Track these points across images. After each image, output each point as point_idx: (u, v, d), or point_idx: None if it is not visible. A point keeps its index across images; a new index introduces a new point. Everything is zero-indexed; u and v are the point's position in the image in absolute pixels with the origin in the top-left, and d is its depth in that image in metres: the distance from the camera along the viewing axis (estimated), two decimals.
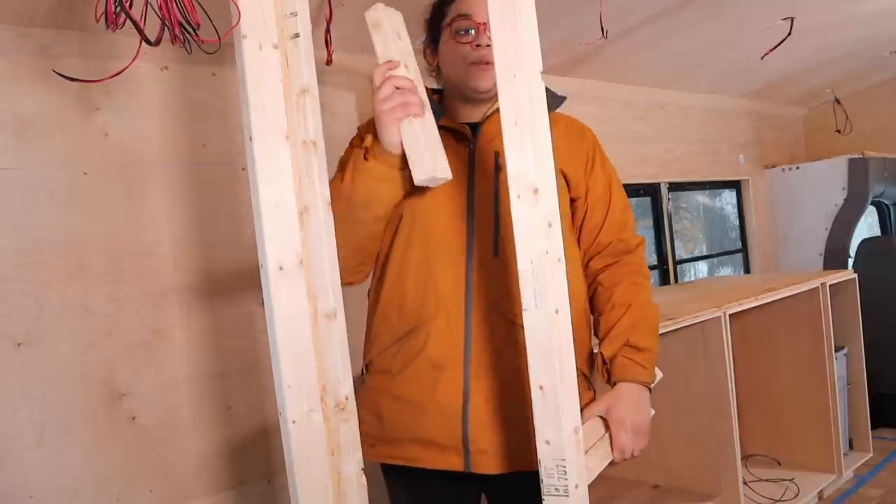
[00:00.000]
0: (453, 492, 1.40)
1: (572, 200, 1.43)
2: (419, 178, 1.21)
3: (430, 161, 1.21)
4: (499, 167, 1.35)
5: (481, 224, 1.33)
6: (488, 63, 1.32)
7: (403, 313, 1.35)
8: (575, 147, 1.44)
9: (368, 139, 1.27)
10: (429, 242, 1.33)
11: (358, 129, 1.47)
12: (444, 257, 1.32)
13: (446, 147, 1.29)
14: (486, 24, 1.32)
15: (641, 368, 1.32)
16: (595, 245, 1.43)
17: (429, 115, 1.24)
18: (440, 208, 1.34)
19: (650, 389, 1.35)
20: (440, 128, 1.35)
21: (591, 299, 1.44)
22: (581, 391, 1.36)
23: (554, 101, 1.43)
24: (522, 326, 1.28)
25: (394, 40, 1.24)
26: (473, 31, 1.35)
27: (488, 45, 1.32)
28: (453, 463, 1.32)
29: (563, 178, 1.41)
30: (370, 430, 1.37)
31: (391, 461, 1.36)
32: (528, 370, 1.29)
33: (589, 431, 1.24)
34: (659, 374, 1.42)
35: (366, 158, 1.26)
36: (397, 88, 1.21)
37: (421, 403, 1.32)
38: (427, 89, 1.33)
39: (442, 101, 1.45)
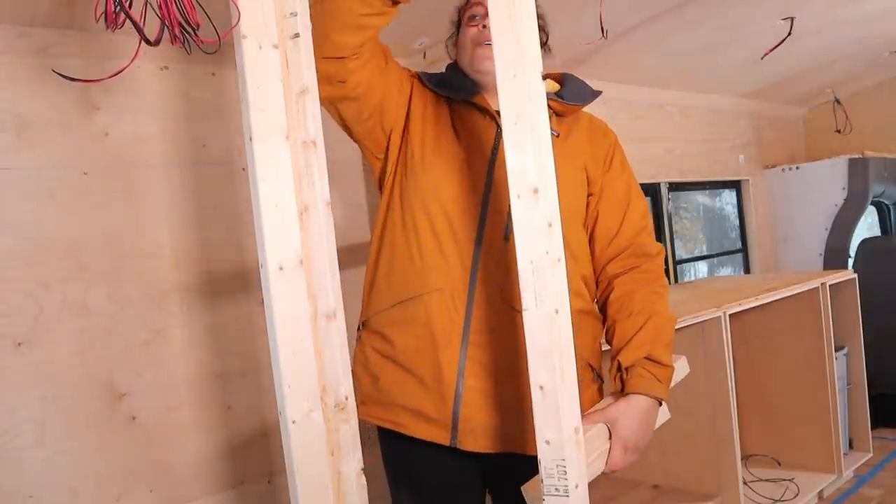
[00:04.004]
0: (441, 462, 1.40)
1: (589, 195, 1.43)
2: None
3: None
4: None
5: (495, 208, 1.33)
6: (490, 43, 1.36)
7: (408, 277, 1.34)
8: (597, 145, 1.45)
9: None
10: (442, 215, 1.33)
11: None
12: (456, 233, 1.32)
13: (476, 126, 1.33)
14: None
15: (658, 383, 1.29)
16: (612, 247, 1.41)
17: None
18: (457, 183, 1.34)
19: (661, 403, 1.33)
20: (471, 104, 1.40)
21: (605, 302, 1.42)
22: (587, 382, 1.37)
23: (591, 94, 1.48)
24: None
25: None
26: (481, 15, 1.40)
27: None
28: (440, 436, 1.33)
29: (585, 174, 1.42)
30: (364, 388, 1.38)
31: (379, 423, 1.38)
32: (525, 356, 1.31)
33: (594, 439, 1.23)
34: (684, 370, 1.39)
35: None
36: None
37: (416, 374, 1.33)
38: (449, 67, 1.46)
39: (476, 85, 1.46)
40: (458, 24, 1.48)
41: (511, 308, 1.30)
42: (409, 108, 1.41)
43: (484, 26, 1.39)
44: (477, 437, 1.31)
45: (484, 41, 1.38)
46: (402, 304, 1.35)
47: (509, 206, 1.32)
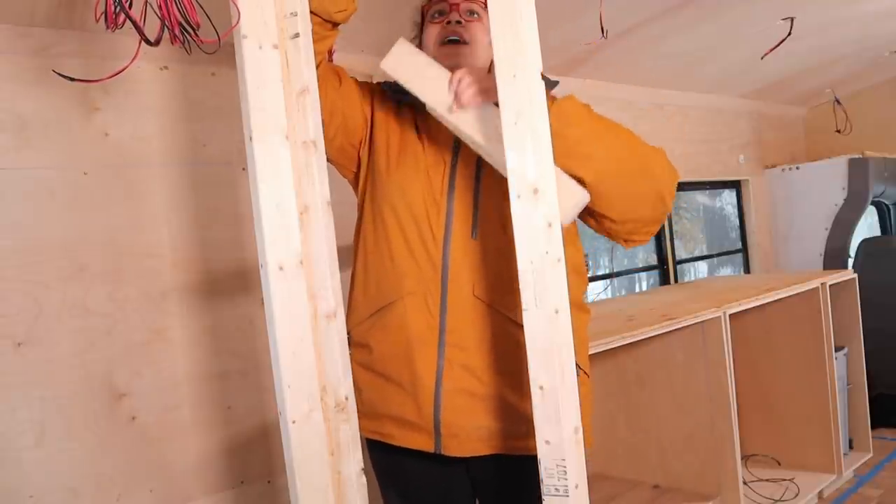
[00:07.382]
0: (429, 470, 1.39)
1: None
2: None
3: None
4: None
5: (461, 205, 1.32)
6: (456, 42, 1.35)
7: (382, 286, 1.34)
8: None
9: None
10: (410, 218, 1.33)
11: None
12: (424, 235, 1.32)
13: (437, 127, 1.31)
14: (458, 4, 1.36)
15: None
16: None
17: None
18: (422, 184, 1.34)
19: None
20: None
21: None
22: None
23: (548, 84, 1.42)
24: (498, 310, 1.29)
25: (427, 69, 1.27)
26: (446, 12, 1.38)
27: (458, 23, 1.36)
28: (424, 443, 1.32)
29: None
30: None
31: (368, 435, 1.37)
32: (503, 353, 1.29)
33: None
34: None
35: None
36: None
37: (395, 381, 1.33)
38: None
39: None
40: (422, 24, 1.44)
41: (486, 305, 1.30)
42: (372, 120, 1.41)
43: (448, 22, 1.36)
44: (461, 441, 1.30)
45: (448, 38, 1.36)
46: (378, 312, 1.34)
47: (474, 202, 1.32)
